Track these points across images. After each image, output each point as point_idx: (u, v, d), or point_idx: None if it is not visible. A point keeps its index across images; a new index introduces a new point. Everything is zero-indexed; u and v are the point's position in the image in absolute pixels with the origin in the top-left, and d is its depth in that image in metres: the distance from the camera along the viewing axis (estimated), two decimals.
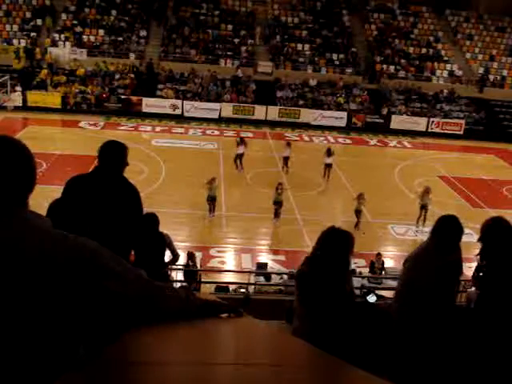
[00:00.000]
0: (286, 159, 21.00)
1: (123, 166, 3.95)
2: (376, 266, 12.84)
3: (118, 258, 1.59)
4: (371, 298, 2.87)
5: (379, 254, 13.21)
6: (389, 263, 13.75)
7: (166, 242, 6.65)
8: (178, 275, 10.65)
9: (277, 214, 16.71)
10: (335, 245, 3.14)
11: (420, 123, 29.90)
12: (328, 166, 20.32)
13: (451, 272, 3.73)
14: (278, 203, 16.63)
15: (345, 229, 3.33)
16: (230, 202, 17.93)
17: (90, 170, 4.04)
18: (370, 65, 32.84)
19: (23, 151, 1.56)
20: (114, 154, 3.90)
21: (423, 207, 17.07)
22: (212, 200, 16.53)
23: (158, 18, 33.17)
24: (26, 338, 1.38)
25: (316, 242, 3.31)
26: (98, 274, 1.49)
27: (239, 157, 20.53)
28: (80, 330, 1.47)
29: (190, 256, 11.72)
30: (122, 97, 28.56)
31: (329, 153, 20.28)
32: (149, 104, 28.40)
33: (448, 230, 3.78)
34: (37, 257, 1.41)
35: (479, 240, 3.69)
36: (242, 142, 20.74)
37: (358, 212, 16.70)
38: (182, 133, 26.40)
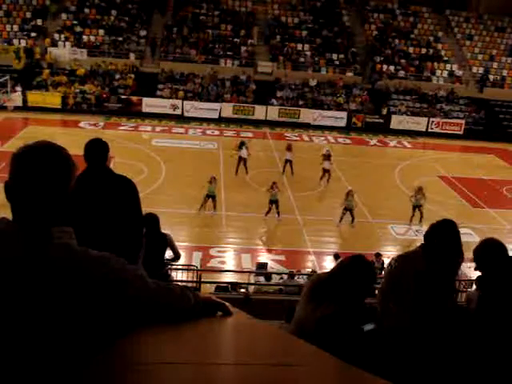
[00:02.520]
0: (287, 162, 20.66)
1: (107, 161, 4.06)
2: (376, 265, 12.83)
3: (138, 268, 1.61)
4: (368, 327, 2.79)
5: (379, 254, 13.20)
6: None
7: (167, 242, 6.66)
8: (177, 275, 10.66)
9: (274, 212, 16.72)
10: (358, 275, 2.90)
11: (420, 123, 29.92)
12: (326, 172, 20.05)
13: (441, 278, 3.53)
14: (274, 202, 16.67)
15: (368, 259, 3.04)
16: (230, 201, 17.92)
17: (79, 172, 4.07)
18: (370, 53, 32.85)
19: (67, 162, 1.51)
20: (99, 151, 3.97)
21: (416, 207, 17.02)
22: (208, 197, 16.57)
23: (160, 9, 33.23)
24: (50, 342, 1.40)
25: (339, 268, 2.99)
26: (120, 287, 1.51)
27: (242, 161, 20.27)
28: (92, 334, 1.48)
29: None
30: (122, 97, 28.57)
31: (327, 157, 20.10)
32: (149, 104, 28.41)
33: (441, 235, 3.57)
34: (61, 274, 1.42)
35: (476, 269, 3.51)
36: (243, 145, 20.39)
37: (348, 210, 16.63)
38: (181, 133, 26.41)
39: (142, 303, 1.58)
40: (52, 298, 1.40)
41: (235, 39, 32.70)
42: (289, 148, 20.79)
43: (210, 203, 16.72)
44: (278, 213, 16.77)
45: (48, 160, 1.46)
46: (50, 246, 1.44)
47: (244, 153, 20.20)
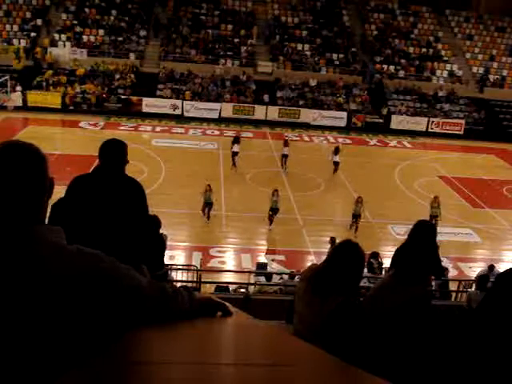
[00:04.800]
0: (284, 157, 21.28)
1: (124, 163, 4.00)
2: (375, 266, 12.81)
3: (130, 268, 1.59)
4: None
5: (378, 254, 13.17)
6: (388, 263, 13.71)
7: (165, 243, 6.67)
8: (177, 275, 10.67)
9: (270, 221, 16.37)
10: (348, 259, 2.91)
11: (420, 123, 29.92)
12: (335, 165, 20.88)
13: (414, 308, 3.44)
14: (274, 210, 16.30)
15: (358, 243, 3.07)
16: (229, 202, 17.92)
17: (92, 169, 4.07)
18: (367, 50, 32.85)
19: (35, 158, 1.48)
20: (115, 152, 3.93)
21: (433, 217, 16.86)
22: (207, 204, 16.53)
23: (160, 3, 33.28)
24: (38, 342, 1.38)
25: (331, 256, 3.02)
26: (113, 287, 1.50)
27: (236, 155, 20.74)
28: (86, 333, 1.47)
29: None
30: (122, 97, 28.57)
31: (336, 151, 20.76)
32: (149, 104, 28.41)
33: (406, 258, 3.53)
34: (52, 275, 1.40)
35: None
36: (237, 140, 20.97)
37: (356, 216, 16.63)
38: (182, 133, 26.41)
39: (133, 303, 1.57)
40: (41, 299, 1.38)
41: (235, 39, 32.71)
42: (285, 143, 21.30)
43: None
44: (271, 221, 16.35)
45: (15, 158, 1.44)
46: (37, 244, 1.43)
47: (236, 147, 20.57)
